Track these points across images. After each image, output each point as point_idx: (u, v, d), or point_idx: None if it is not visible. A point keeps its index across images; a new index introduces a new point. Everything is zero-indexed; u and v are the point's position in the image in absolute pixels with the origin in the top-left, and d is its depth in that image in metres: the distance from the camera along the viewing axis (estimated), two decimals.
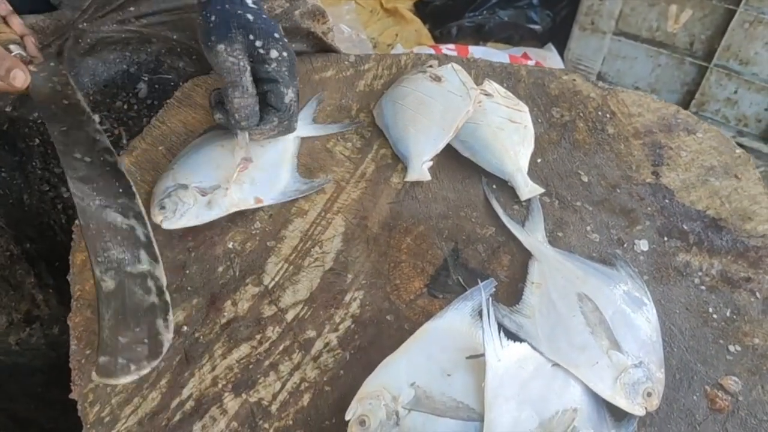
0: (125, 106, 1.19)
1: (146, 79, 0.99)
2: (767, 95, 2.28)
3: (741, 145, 1.17)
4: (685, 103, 2.40)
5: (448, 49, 2.49)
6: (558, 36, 2.67)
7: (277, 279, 0.97)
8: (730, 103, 2.35)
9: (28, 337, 1.20)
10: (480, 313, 0.87)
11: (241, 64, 0.93)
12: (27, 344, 1.21)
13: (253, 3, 0.97)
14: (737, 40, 2.23)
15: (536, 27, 2.69)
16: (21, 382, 1.33)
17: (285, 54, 0.97)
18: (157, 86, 0.96)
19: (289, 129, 1.04)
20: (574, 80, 1.23)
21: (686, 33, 2.35)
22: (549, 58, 2.57)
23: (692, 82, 2.40)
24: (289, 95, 0.98)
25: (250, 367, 0.90)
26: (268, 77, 0.97)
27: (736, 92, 2.32)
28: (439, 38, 2.74)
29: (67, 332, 0.91)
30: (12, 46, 0.94)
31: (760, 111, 2.32)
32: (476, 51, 2.50)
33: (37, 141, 1.28)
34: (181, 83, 1.18)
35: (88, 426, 0.85)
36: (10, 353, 1.20)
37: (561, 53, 2.64)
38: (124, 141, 1.28)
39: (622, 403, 0.84)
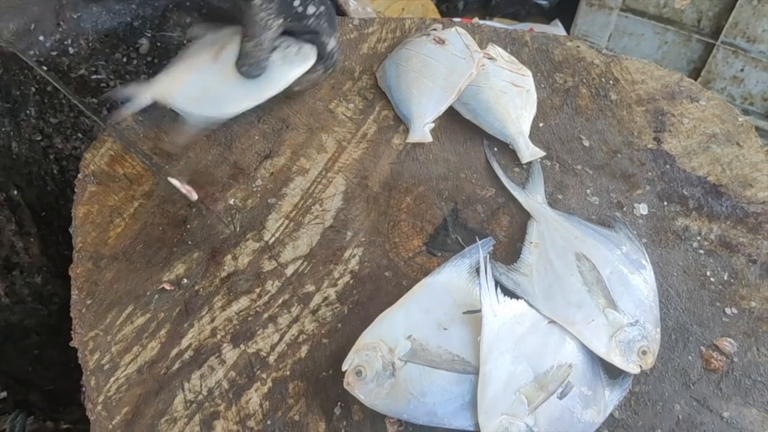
0: (124, 59, 1.19)
1: (149, 35, 0.99)
2: None
3: None
4: None
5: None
6: (565, 12, 2.65)
7: (277, 235, 0.98)
8: (737, 81, 2.33)
9: (11, 285, 1.21)
10: (478, 270, 0.88)
11: (269, 22, 0.95)
12: (13, 294, 1.22)
13: None
14: (745, 17, 2.21)
15: (543, 2, 2.67)
16: (17, 344, 1.34)
17: (322, 8, 1.00)
18: (159, 44, 0.96)
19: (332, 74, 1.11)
20: (578, 47, 1.23)
21: (694, 9, 2.32)
22: (555, 33, 2.55)
23: (698, 60, 2.38)
24: (331, 44, 1.04)
25: (249, 319, 0.91)
26: (309, 31, 1.00)
27: (742, 70, 2.30)
28: (446, 13, 2.72)
29: (51, 283, 0.92)
30: None
31: (766, 89, 2.31)
32: None
33: (33, 89, 1.27)
34: (185, 42, 1.18)
35: (88, 373, 0.87)
36: (1, 308, 1.21)
37: (567, 29, 2.62)
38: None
39: (616, 360, 0.84)
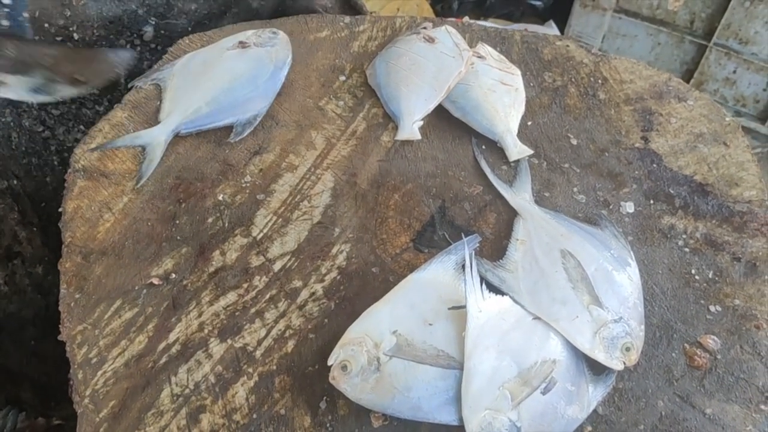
0: (128, 47, 1.20)
1: (153, 22, 0.99)
2: (766, 75, 2.28)
3: None
4: None
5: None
6: (559, 13, 2.66)
7: (265, 231, 0.99)
8: (729, 83, 2.34)
9: (12, 274, 1.21)
10: (463, 267, 0.89)
11: None
12: (12, 283, 1.22)
13: None
14: (737, 18, 2.22)
15: (537, 3, 2.68)
16: (14, 335, 1.35)
17: None
18: (163, 32, 0.96)
19: None
20: (568, 46, 1.24)
21: (687, 11, 2.34)
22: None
23: (691, 61, 2.39)
24: None
25: (237, 314, 0.91)
26: None
27: (735, 72, 2.31)
28: (440, 13, 2.73)
29: (52, 274, 0.92)
30: None
31: (758, 91, 2.32)
32: None
33: None
34: (189, 28, 1.17)
35: (76, 366, 0.87)
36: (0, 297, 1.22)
37: (562, 30, 2.63)
38: (122, 81, 1.28)
39: (600, 356, 0.85)
